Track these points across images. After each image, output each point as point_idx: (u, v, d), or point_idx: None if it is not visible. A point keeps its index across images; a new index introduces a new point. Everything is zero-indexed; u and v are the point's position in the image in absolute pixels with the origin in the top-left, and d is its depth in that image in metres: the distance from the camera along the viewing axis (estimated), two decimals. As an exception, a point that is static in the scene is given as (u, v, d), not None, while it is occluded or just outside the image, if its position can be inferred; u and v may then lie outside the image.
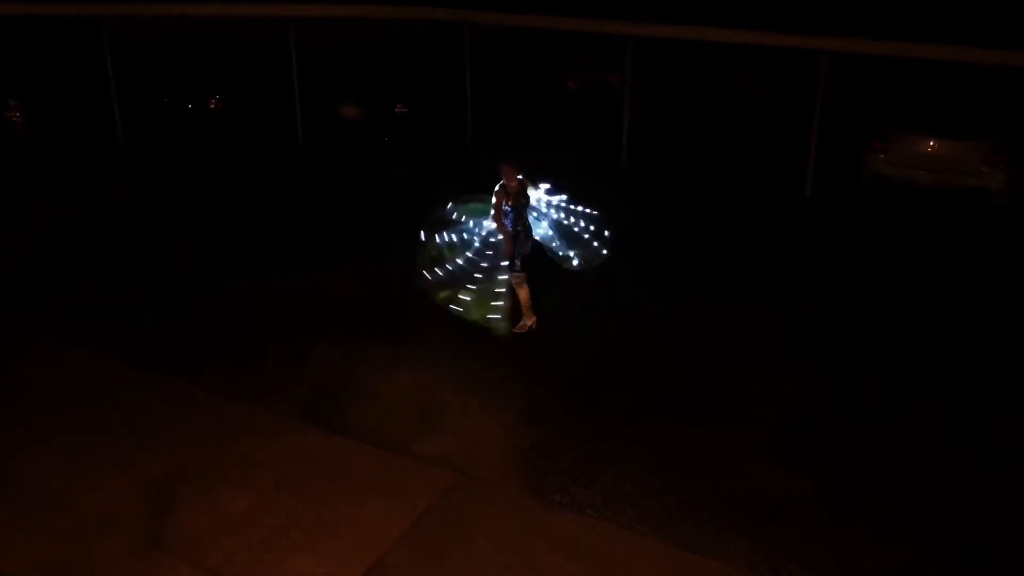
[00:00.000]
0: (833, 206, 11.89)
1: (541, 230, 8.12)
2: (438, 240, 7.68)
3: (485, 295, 7.59)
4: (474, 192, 7.90)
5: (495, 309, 7.63)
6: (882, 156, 11.56)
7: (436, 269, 7.60)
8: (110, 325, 8.19)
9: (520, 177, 7.66)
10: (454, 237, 7.78)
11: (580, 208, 8.24)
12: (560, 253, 8.12)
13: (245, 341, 7.92)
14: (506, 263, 7.68)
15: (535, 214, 8.04)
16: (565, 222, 8.23)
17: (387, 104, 14.86)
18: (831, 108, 12.15)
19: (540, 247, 8.09)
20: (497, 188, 7.59)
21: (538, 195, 8.09)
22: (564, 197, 8.26)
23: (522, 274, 7.81)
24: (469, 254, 7.72)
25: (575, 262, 8.11)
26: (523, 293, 7.90)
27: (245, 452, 6.21)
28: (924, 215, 11.24)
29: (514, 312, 7.92)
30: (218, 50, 15.61)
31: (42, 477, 5.92)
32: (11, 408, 6.79)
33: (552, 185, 8.24)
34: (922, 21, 11.34)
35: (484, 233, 7.83)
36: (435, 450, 6.23)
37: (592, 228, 8.17)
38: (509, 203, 7.57)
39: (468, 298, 7.53)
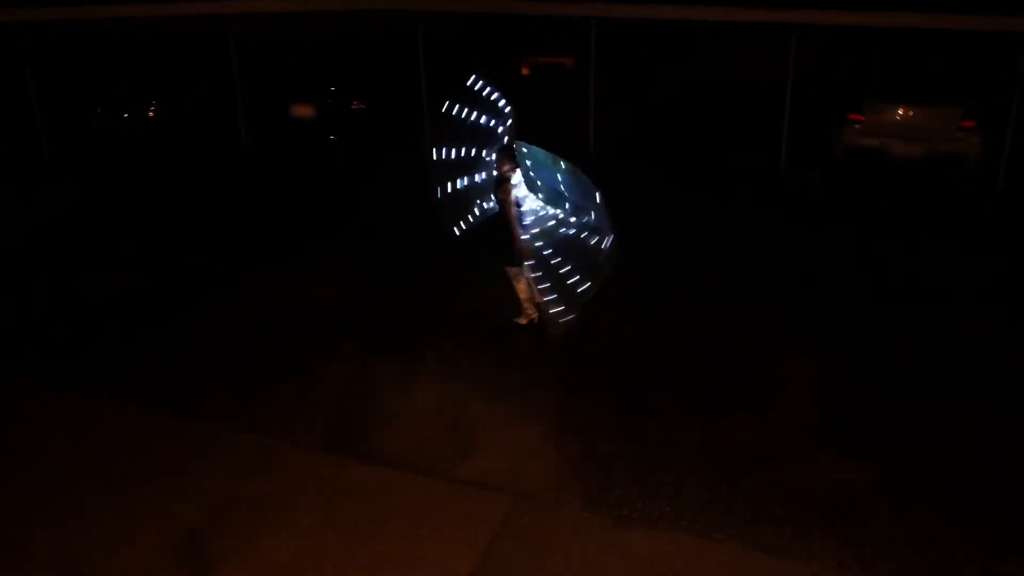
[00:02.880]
0: (808, 179, 11.90)
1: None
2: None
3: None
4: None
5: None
6: (857, 127, 11.60)
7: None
8: (91, 359, 7.49)
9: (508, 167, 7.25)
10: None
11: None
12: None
13: (244, 366, 7.34)
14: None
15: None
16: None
17: (342, 101, 14.20)
18: (803, 82, 12.13)
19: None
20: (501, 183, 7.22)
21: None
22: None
23: (517, 268, 7.47)
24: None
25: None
26: (521, 286, 7.60)
27: (275, 491, 5.67)
28: (901, 182, 11.34)
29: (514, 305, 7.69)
30: (153, 48, 14.64)
31: (53, 540, 5.27)
32: (7, 460, 6.10)
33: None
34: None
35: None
36: (481, 472, 5.83)
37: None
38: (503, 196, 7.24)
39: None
